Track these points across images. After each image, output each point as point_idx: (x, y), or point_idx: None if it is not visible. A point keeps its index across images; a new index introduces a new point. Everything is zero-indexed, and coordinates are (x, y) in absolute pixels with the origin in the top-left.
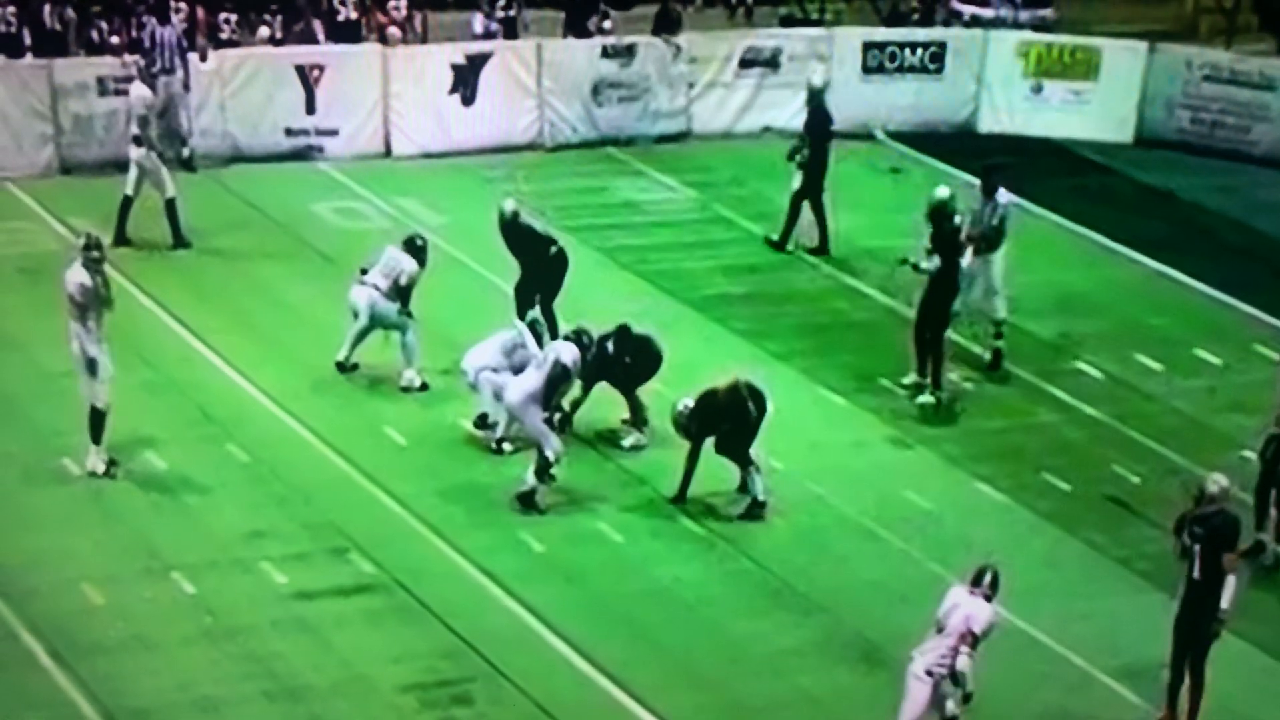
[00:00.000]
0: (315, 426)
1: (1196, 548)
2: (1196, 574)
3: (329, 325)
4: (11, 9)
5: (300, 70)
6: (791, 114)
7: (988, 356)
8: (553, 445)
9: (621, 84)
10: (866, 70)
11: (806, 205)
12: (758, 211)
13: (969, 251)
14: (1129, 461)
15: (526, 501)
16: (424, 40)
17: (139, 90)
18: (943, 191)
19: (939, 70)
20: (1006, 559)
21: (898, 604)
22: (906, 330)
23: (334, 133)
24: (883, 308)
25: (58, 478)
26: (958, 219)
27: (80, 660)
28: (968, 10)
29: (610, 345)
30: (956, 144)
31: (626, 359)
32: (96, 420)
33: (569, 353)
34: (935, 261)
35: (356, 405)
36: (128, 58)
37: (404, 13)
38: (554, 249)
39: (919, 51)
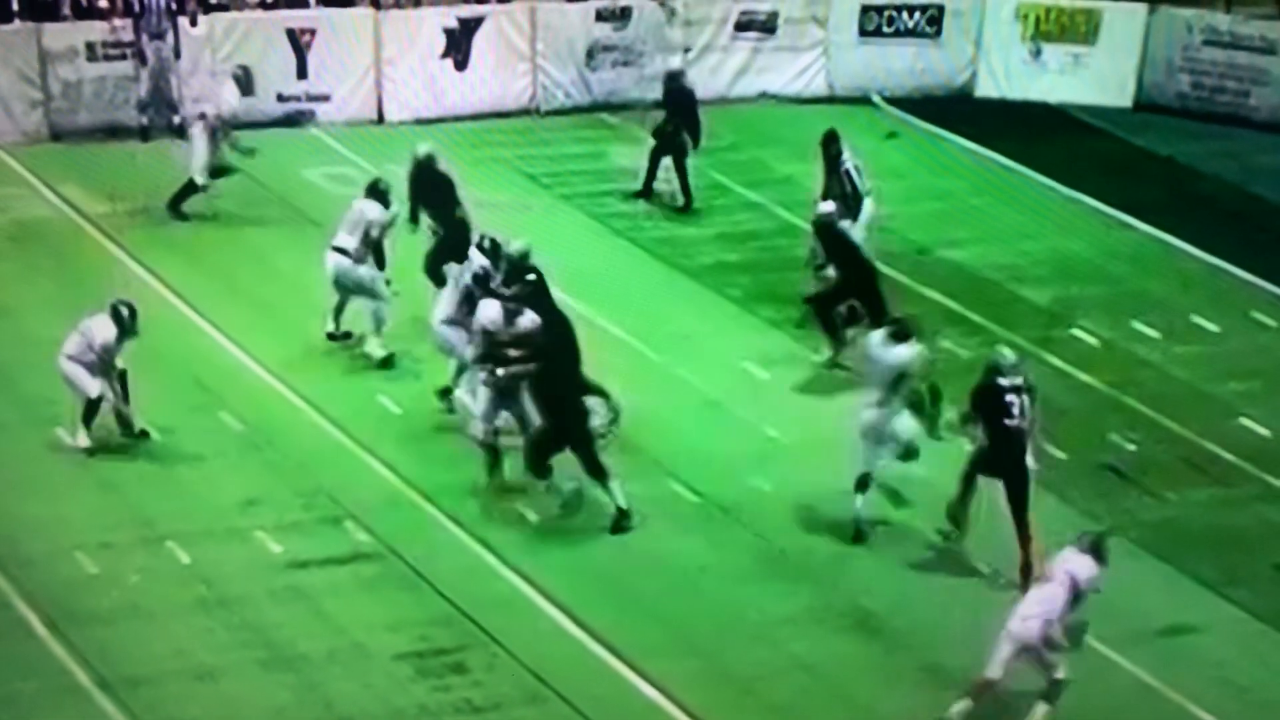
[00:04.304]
0: (309, 395)
1: (1020, 399)
2: (1015, 421)
3: (322, 292)
4: None
5: (291, 34)
6: (789, 78)
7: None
8: (475, 428)
9: (616, 48)
10: (864, 33)
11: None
12: (754, 178)
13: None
14: (1125, 429)
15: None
16: (416, 3)
17: (229, 95)
18: (826, 207)
19: (937, 34)
20: (1000, 526)
21: (893, 572)
22: (901, 299)
23: (326, 98)
24: (881, 275)
25: (50, 446)
26: (843, 225)
27: (75, 629)
28: None
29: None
30: (954, 109)
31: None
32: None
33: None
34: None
35: (351, 373)
36: (117, 22)
37: None
38: (459, 211)
39: (916, 15)
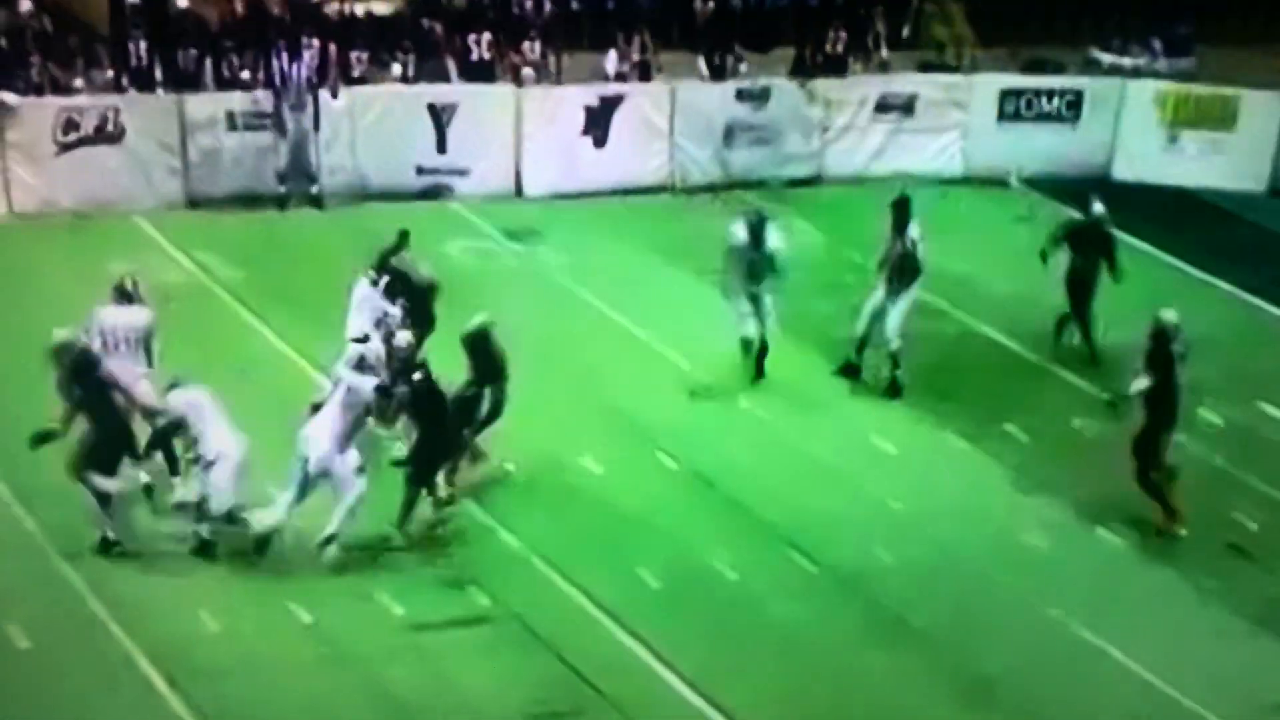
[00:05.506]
0: None
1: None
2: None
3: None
4: (144, 44)
5: (432, 109)
6: (926, 159)
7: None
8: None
9: (754, 127)
10: (1002, 117)
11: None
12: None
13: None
14: (1248, 507)
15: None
16: (558, 81)
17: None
18: (479, 319)
19: (1075, 118)
20: (1120, 601)
21: (1011, 645)
22: (1029, 378)
23: (465, 172)
24: (1010, 352)
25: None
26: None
27: (194, 685)
28: (1107, 59)
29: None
30: (1090, 191)
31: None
32: None
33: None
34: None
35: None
36: (259, 93)
37: (538, 54)
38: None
39: (1056, 99)
